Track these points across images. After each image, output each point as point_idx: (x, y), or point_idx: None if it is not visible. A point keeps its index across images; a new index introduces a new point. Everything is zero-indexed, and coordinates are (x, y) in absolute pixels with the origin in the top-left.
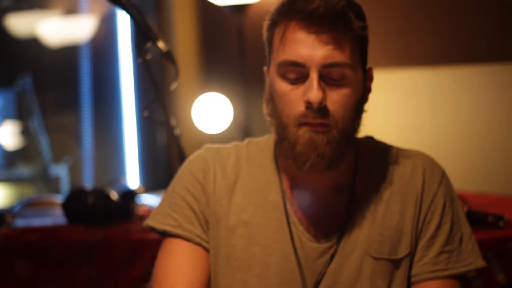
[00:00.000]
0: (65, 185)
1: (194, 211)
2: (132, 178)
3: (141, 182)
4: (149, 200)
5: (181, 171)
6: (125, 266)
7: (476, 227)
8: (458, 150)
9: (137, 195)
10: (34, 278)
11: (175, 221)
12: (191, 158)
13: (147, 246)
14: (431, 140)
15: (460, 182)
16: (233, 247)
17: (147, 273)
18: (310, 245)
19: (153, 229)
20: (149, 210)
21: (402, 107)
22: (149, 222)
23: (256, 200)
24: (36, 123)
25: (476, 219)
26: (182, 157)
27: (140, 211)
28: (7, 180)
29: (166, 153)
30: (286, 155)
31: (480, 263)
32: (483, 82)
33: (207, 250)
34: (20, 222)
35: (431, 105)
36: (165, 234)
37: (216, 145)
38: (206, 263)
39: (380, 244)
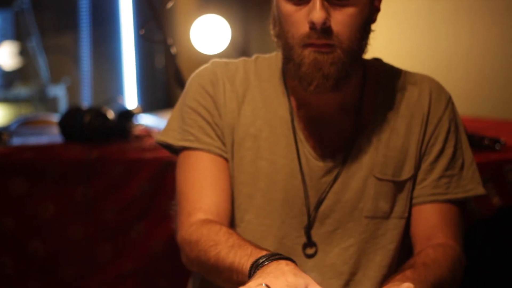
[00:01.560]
0: (63, 106)
1: (209, 123)
2: (130, 99)
3: (138, 103)
4: (146, 120)
5: (189, 85)
6: (121, 185)
7: (472, 150)
8: (456, 74)
9: (134, 115)
10: (29, 195)
11: (192, 136)
12: (198, 72)
13: (143, 165)
14: (429, 64)
15: (458, 106)
16: (240, 160)
17: (142, 192)
18: (315, 164)
19: (167, 146)
20: (146, 130)
21: (400, 31)
22: (164, 138)
23: (264, 115)
24: (34, 43)
25: (472, 142)
26: (178, 77)
27: (137, 131)
28: (5, 100)
29: (164, 75)
30: (292, 76)
31: (480, 190)
32: (483, 5)
33: (226, 160)
34: (16, 141)
35: (429, 29)
36: (178, 150)
37: (223, 59)
38: (227, 172)
39: (384, 165)
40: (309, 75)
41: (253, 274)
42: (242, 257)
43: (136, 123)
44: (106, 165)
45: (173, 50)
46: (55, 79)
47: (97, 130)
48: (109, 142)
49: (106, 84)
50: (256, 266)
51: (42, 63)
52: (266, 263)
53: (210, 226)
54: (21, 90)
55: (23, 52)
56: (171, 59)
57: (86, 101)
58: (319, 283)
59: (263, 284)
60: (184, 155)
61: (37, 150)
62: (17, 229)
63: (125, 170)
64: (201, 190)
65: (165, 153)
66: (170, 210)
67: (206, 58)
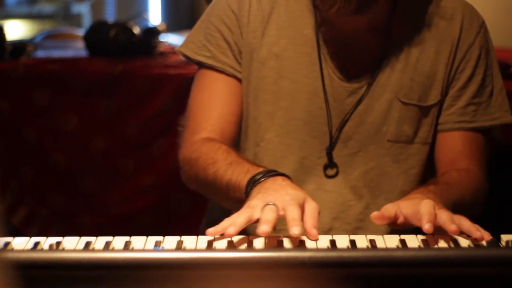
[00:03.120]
0: (87, 23)
1: (228, 42)
2: (155, 17)
3: (163, 21)
4: (171, 38)
5: (215, 1)
6: (144, 99)
7: None
8: (482, 3)
9: (159, 32)
10: (53, 107)
11: (209, 52)
12: None
13: (166, 81)
14: None
15: None
16: (262, 79)
17: (165, 108)
18: (339, 84)
19: (186, 57)
20: (171, 47)
21: None
22: (183, 49)
23: (289, 34)
24: None
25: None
26: None
27: (161, 47)
28: (29, 16)
29: None
30: None
31: (508, 118)
32: None
33: (240, 81)
34: (41, 53)
35: None
36: (198, 64)
37: None
38: (239, 95)
39: (410, 89)
40: None
41: (250, 191)
42: (240, 174)
43: (161, 40)
44: (130, 80)
45: None
46: None
47: (122, 45)
48: (133, 57)
49: (130, 2)
50: (253, 183)
51: None
52: (262, 179)
53: (211, 144)
54: (45, 6)
55: None
56: None
57: (110, 18)
58: (340, 204)
59: (269, 203)
60: (200, 73)
61: (61, 62)
62: (39, 140)
63: (149, 85)
64: (209, 111)
65: (189, 70)
66: (178, 127)
67: None
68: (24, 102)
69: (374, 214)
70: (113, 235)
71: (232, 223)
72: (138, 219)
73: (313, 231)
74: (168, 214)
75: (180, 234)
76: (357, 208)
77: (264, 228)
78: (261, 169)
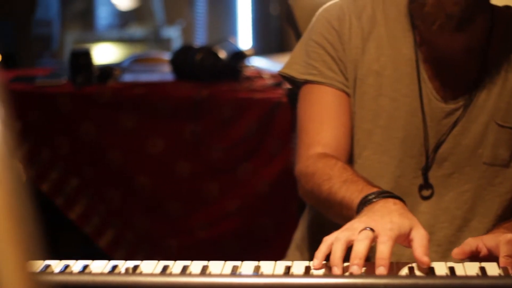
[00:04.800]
0: (177, 46)
1: (333, 58)
2: (243, 42)
3: (253, 44)
4: (259, 62)
5: (315, 20)
6: (229, 124)
7: None
8: None
9: (246, 56)
10: (138, 131)
11: (315, 70)
12: (325, 6)
13: (252, 105)
14: None
15: None
16: (362, 95)
17: (250, 132)
18: (437, 104)
19: (289, 79)
20: (257, 72)
21: None
22: (287, 71)
23: (388, 52)
24: None
25: None
26: (292, 22)
27: (248, 72)
28: (120, 40)
29: (278, 20)
30: (416, 15)
31: None
32: None
33: (348, 95)
34: (128, 77)
35: None
36: (299, 83)
37: None
38: (348, 108)
39: (507, 112)
40: (432, 15)
41: (360, 211)
42: (353, 193)
43: (247, 64)
44: (215, 104)
45: None
46: (169, 20)
47: (208, 69)
48: (219, 81)
49: (221, 26)
50: (364, 203)
51: (157, 4)
52: (374, 200)
53: (326, 160)
54: (136, 30)
55: None
56: (286, 4)
57: (200, 42)
58: (431, 226)
59: (367, 228)
60: (306, 89)
61: (148, 86)
62: (125, 164)
63: (234, 110)
64: (321, 124)
65: (274, 94)
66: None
67: (321, 4)
68: (111, 126)
69: (455, 251)
70: (198, 258)
71: (333, 261)
72: (222, 243)
73: (424, 259)
74: (252, 239)
75: (264, 258)
76: (449, 230)
77: (355, 268)
78: (375, 190)
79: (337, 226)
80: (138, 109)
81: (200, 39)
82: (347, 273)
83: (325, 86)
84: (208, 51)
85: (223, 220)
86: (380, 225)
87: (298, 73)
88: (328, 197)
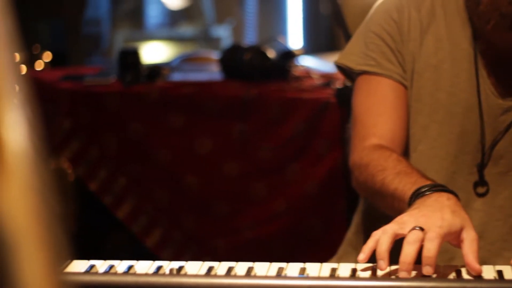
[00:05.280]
0: (226, 46)
1: (391, 49)
2: (292, 41)
3: (301, 45)
4: (307, 62)
5: (374, 11)
6: (278, 123)
7: None
8: None
9: (295, 55)
10: (187, 130)
11: (374, 61)
12: None
13: (300, 105)
14: None
15: None
16: (419, 89)
17: (299, 132)
18: (495, 101)
19: (345, 69)
20: (306, 71)
21: None
22: (344, 61)
23: (447, 46)
24: None
25: None
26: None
27: (297, 71)
28: (170, 38)
29: (328, 19)
30: (471, 14)
31: None
32: None
33: (406, 88)
34: (176, 76)
35: None
36: (355, 74)
37: None
38: (405, 100)
39: None
40: (486, 14)
41: (412, 203)
42: (406, 185)
43: (297, 64)
44: (264, 104)
45: None
46: (219, 19)
47: (257, 68)
48: (268, 81)
49: (270, 26)
50: (417, 195)
51: (207, 3)
52: (427, 193)
53: (381, 151)
54: (186, 29)
55: None
56: (335, 3)
57: (250, 41)
58: (485, 224)
59: (417, 228)
60: (363, 80)
61: (196, 86)
62: (173, 163)
63: (283, 109)
64: (377, 116)
65: (323, 94)
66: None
67: (371, 4)
68: (159, 125)
69: None
70: (245, 259)
71: (379, 253)
72: (270, 244)
73: (476, 266)
74: (300, 239)
75: (312, 259)
76: (503, 228)
77: (403, 275)
78: (429, 182)
79: (390, 219)
80: (186, 108)
81: (250, 38)
82: (393, 276)
83: (383, 77)
84: (257, 51)
85: (271, 221)
86: (430, 220)
87: (355, 64)
88: (381, 188)
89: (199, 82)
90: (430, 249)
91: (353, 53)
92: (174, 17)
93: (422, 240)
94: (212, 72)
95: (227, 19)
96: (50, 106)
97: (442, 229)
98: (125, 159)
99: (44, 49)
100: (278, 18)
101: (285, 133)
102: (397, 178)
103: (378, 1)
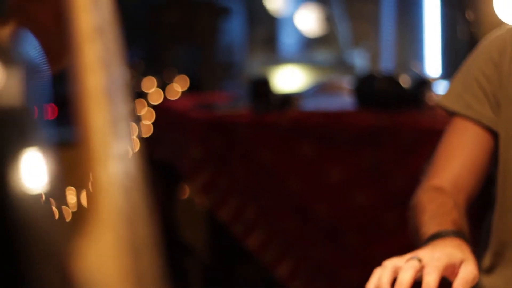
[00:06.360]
0: (362, 72)
1: (485, 93)
2: (430, 68)
3: (440, 73)
4: (444, 89)
5: (477, 50)
6: (410, 153)
7: None
8: None
9: (431, 83)
10: (318, 159)
11: (465, 102)
12: (489, 37)
13: (434, 135)
14: None
15: None
16: None
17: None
18: None
19: (444, 108)
20: None
21: None
22: (441, 100)
23: None
24: (335, 9)
25: None
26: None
27: (432, 100)
28: (305, 63)
29: (467, 46)
30: None
31: None
32: None
33: (495, 135)
34: (309, 104)
35: None
36: (452, 114)
37: None
38: (489, 148)
39: None
40: None
41: (426, 244)
42: (431, 227)
43: (432, 91)
44: (396, 133)
45: (470, 18)
46: (355, 44)
47: (390, 97)
48: (402, 109)
49: (407, 52)
50: (433, 237)
51: (343, 29)
52: (443, 236)
53: (432, 193)
54: (321, 54)
55: (328, 18)
56: (471, 29)
57: (385, 68)
58: None
59: (414, 257)
60: (453, 121)
61: (327, 115)
62: (303, 192)
63: (416, 139)
64: (450, 158)
65: None
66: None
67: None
68: (289, 153)
69: None
70: None
71: (381, 286)
72: None
73: None
74: None
75: None
76: None
77: None
78: (453, 228)
79: None
80: (317, 138)
81: (386, 64)
82: None
83: (470, 121)
84: (390, 80)
85: (403, 252)
86: (428, 254)
87: (449, 103)
88: (415, 230)
89: (330, 112)
90: (429, 283)
91: (450, 93)
92: (309, 43)
93: (418, 270)
94: (345, 100)
95: (363, 44)
96: (182, 135)
97: (440, 261)
98: (255, 188)
99: (180, 73)
100: (415, 43)
101: (417, 164)
102: (430, 221)
103: (485, 37)
